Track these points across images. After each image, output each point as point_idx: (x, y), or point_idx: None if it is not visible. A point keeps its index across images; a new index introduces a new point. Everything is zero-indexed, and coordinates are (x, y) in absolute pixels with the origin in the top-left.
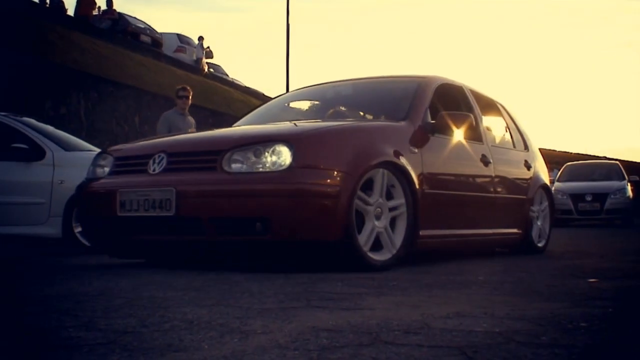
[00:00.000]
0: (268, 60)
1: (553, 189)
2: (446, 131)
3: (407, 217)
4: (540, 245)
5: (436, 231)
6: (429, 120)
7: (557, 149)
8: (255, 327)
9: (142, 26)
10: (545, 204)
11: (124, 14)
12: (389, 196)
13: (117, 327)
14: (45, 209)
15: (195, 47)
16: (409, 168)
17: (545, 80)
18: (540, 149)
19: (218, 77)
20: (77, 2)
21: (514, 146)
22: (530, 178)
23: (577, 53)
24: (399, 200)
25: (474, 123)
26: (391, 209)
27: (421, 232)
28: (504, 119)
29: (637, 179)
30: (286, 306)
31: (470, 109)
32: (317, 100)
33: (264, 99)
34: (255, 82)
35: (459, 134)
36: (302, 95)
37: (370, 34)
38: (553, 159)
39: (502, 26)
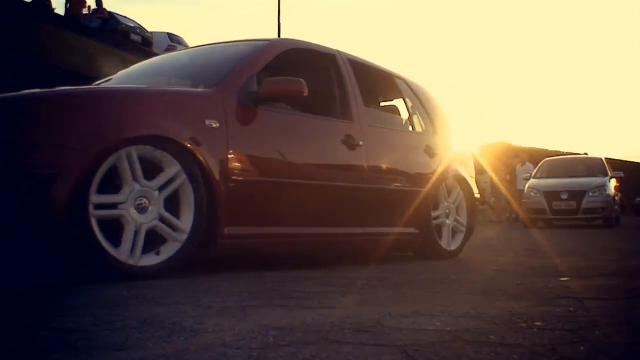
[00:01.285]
0: None
1: (526, 186)
2: (281, 103)
3: (193, 191)
4: (451, 248)
5: (254, 229)
6: (255, 89)
7: (550, 148)
8: (207, 325)
9: (132, 25)
10: (460, 198)
11: (114, 13)
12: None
13: (69, 325)
14: None
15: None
16: (199, 146)
17: (541, 80)
18: (531, 148)
19: None
20: (68, 1)
21: (413, 128)
22: (435, 167)
23: (580, 54)
24: (171, 169)
25: (304, 91)
26: (164, 187)
27: (226, 230)
28: (404, 97)
29: (622, 175)
30: (247, 304)
31: (341, 81)
32: (154, 74)
33: None
34: None
35: (306, 108)
36: (142, 67)
37: (363, 26)
38: (544, 156)
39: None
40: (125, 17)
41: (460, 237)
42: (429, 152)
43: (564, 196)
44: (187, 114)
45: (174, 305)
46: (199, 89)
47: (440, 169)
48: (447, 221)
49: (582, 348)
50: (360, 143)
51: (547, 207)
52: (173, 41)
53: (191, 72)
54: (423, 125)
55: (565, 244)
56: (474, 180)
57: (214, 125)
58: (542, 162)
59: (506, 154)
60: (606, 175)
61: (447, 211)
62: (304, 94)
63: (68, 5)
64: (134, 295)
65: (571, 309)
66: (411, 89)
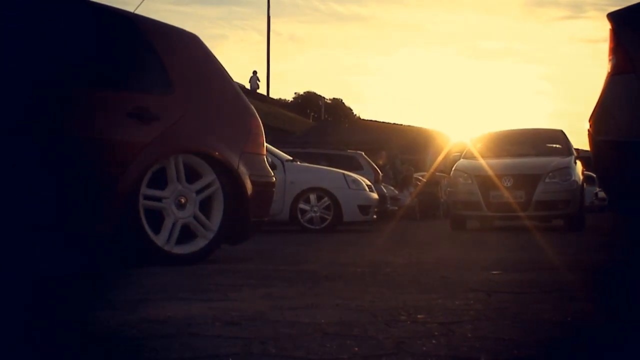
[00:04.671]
0: (251, 54)
1: (454, 168)
2: None
3: None
4: (175, 250)
5: None
6: None
7: None
8: (90, 318)
9: None
10: (207, 182)
11: None
12: None
13: None
14: None
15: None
16: None
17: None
18: None
19: None
20: None
21: (113, 83)
22: (151, 138)
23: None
24: None
25: None
26: None
27: None
28: (116, 40)
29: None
30: (150, 298)
31: None
32: None
33: (244, 91)
34: (234, 75)
35: None
36: None
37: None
38: None
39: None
40: None
41: (202, 242)
42: (143, 116)
43: (508, 183)
44: None
45: (87, 299)
46: None
47: (166, 140)
48: (179, 213)
49: (433, 342)
50: None
51: (481, 200)
52: None
53: None
54: (143, 80)
55: (555, 239)
56: (261, 158)
57: None
58: (481, 135)
59: None
60: (570, 154)
61: (183, 200)
62: None
63: None
64: (63, 290)
65: (471, 302)
66: (141, 31)
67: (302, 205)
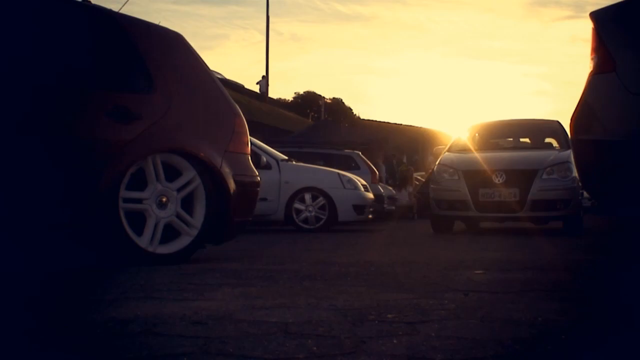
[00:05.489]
0: (252, 53)
1: (437, 162)
2: None
3: None
4: (158, 250)
5: None
6: None
7: None
8: (57, 318)
9: None
10: (188, 179)
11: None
12: None
13: None
14: None
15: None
16: None
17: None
18: None
19: None
20: None
21: (94, 81)
22: (132, 137)
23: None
24: None
25: None
26: None
27: None
28: (95, 39)
29: None
30: (125, 297)
31: None
32: None
33: (244, 91)
34: (235, 74)
35: None
36: None
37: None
38: None
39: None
40: None
41: (186, 240)
42: (122, 115)
43: (500, 179)
44: None
45: (61, 299)
46: None
47: (146, 140)
48: (160, 213)
49: (394, 341)
50: None
51: (469, 199)
52: None
53: None
54: (124, 78)
55: (550, 240)
56: (245, 158)
57: None
58: (469, 128)
59: None
60: (569, 147)
61: (164, 199)
62: None
63: None
64: (47, 291)
65: (445, 302)
66: (123, 29)
67: (297, 205)
